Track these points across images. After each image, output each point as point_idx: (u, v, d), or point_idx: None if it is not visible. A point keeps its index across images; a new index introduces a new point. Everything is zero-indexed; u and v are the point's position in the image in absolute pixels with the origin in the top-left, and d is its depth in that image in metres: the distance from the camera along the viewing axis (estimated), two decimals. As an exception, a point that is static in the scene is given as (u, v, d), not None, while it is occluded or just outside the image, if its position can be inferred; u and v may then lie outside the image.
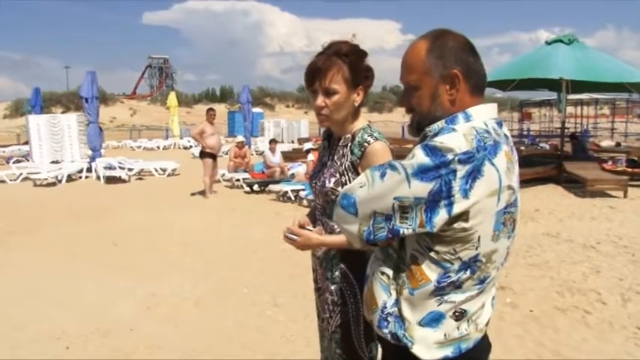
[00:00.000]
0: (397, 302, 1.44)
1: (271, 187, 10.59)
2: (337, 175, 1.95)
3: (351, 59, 1.90)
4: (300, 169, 11.63)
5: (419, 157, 1.29)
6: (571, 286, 4.84)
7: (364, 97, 1.98)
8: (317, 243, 1.92)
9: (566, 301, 4.48)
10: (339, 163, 1.96)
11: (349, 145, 1.96)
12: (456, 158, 1.26)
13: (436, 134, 1.35)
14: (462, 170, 1.26)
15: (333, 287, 2.01)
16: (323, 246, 1.98)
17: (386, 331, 1.46)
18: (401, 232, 1.33)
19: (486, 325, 1.49)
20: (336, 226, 1.87)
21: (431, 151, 1.28)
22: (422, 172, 1.28)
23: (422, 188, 1.28)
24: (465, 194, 1.26)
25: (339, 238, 1.85)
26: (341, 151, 1.98)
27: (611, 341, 3.74)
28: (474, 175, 1.27)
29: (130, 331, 3.97)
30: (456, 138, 1.29)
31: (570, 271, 5.27)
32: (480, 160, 1.27)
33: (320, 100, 1.93)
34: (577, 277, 5.08)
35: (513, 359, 3.48)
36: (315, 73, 1.92)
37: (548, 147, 18.75)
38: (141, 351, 3.66)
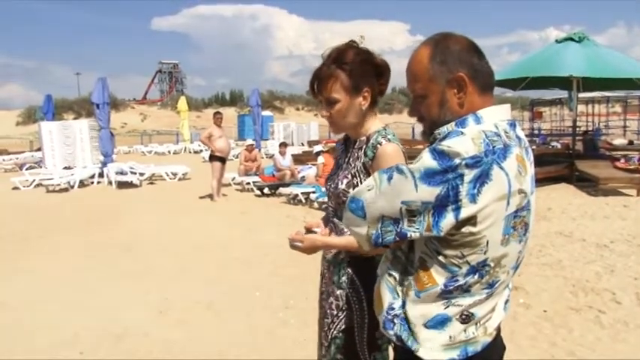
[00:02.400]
0: (404, 305, 1.44)
1: (282, 190, 10.60)
2: (349, 176, 1.94)
3: (349, 65, 1.89)
4: (310, 171, 11.64)
5: (426, 160, 1.28)
6: (585, 285, 4.79)
7: (375, 97, 1.96)
8: (322, 245, 1.91)
9: (580, 301, 4.44)
10: (352, 165, 1.96)
11: (364, 147, 1.95)
12: (463, 162, 1.24)
13: (444, 137, 1.33)
14: (469, 175, 1.25)
15: (338, 292, 1.99)
16: (328, 247, 1.96)
17: (391, 332, 1.46)
18: (408, 235, 1.32)
19: (497, 328, 1.47)
20: (346, 229, 1.86)
21: (438, 154, 1.27)
22: (429, 177, 1.27)
23: (429, 192, 1.27)
24: (473, 199, 1.25)
25: (344, 240, 1.84)
26: (356, 154, 1.98)
27: (625, 341, 3.70)
28: (482, 179, 1.25)
29: (142, 336, 3.99)
30: (463, 142, 1.28)
31: (584, 271, 5.23)
32: (488, 164, 1.26)
33: (325, 111, 1.95)
34: (591, 277, 5.03)
35: (527, 359, 3.46)
36: (316, 84, 1.94)
37: (559, 146, 18.60)
38: (154, 355, 3.68)
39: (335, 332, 2.01)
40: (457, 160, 1.25)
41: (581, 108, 24.06)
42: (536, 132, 26.82)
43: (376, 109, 2.01)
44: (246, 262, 6.00)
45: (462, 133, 1.32)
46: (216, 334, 4.01)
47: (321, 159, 10.69)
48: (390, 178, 1.33)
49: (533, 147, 17.49)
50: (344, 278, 1.98)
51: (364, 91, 1.93)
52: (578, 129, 15.86)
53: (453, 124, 1.38)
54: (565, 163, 12.15)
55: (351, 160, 2.00)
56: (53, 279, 5.49)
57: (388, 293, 1.47)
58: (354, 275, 1.96)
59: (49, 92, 21.82)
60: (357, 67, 1.90)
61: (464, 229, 1.29)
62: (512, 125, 1.40)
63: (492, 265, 1.35)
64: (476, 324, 1.40)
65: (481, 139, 1.29)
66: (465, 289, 1.36)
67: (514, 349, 3.50)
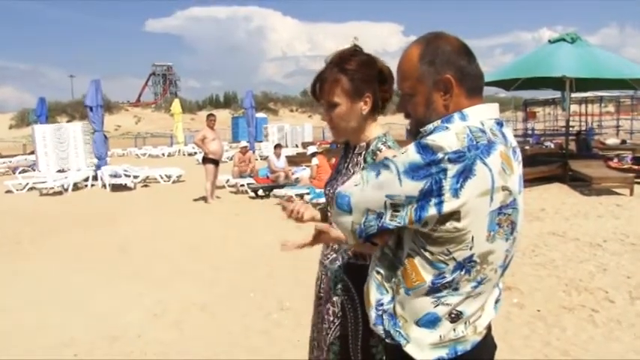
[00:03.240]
0: (393, 301, 1.45)
1: (276, 191, 10.60)
2: None
3: (351, 70, 1.89)
4: (304, 173, 11.65)
5: (410, 154, 1.30)
6: (578, 284, 4.82)
7: (376, 102, 1.95)
8: (331, 239, 1.85)
9: (573, 300, 4.47)
10: (352, 171, 1.96)
11: (363, 153, 1.95)
12: (446, 157, 1.26)
13: (430, 133, 1.35)
14: (452, 169, 1.26)
15: (335, 298, 1.99)
16: (335, 240, 1.88)
17: (380, 327, 1.47)
18: (390, 227, 1.35)
19: (487, 327, 1.48)
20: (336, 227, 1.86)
21: (422, 148, 1.29)
22: (413, 171, 1.28)
23: (413, 187, 1.28)
24: (455, 193, 1.26)
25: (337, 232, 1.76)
26: (355, 159, 1.98)
27: (619, 339, 3.73)
28: (465, 174, 1.26)
29: (137, 338, 3.99)
30: (447, 136, 1.30)
31: (577, 270, 5.26)
32: (471, 159, 1.27)
33: (325, 114, 1.96)
34: (584, 276, 5.06)
35: (520, 359, 3.48)
36: (317, 87, 1.94)
37: (553, 146, 18.68)
38: (149, 357, 3.68)
39: (332, 338, 2.01)
40: (440, 155, 1.26)
41: (574, 108, 24.18)
42: (529, 132, 26.92)
43: (377, 115, 2.00)
44: (240, 263, 6.00)
45: (447, 128, 1.34)
46: (212, 335, 4.01)
47: (315, 160, 10.70)
48: (377, 174, 1.35)
49: (527, 147, 17.61)
50: (340, 285, 1.98)
51: (365, 96, 1.92)
52: (571, 129, 15.91)
53: (439, 120, 1.40)
54: (558, 162, 12.21)
55: (350, 165, 2.00)
56: (48, 282, 5.47)
57: (375, 289, 1.49)
58: (349, 283, 1.96)
59: (42, 95, 21.74)
60: (360, 72, 1.90)
61: (448, 224, 1.30)
62: (500, 124, 1.41)
63: (479, 261, 1.36)
64: (465, 323, 1.41)
65: (465, 134, 1.30)
66: (453, 287, 1.37)
67: (508, 349, 3.52)
